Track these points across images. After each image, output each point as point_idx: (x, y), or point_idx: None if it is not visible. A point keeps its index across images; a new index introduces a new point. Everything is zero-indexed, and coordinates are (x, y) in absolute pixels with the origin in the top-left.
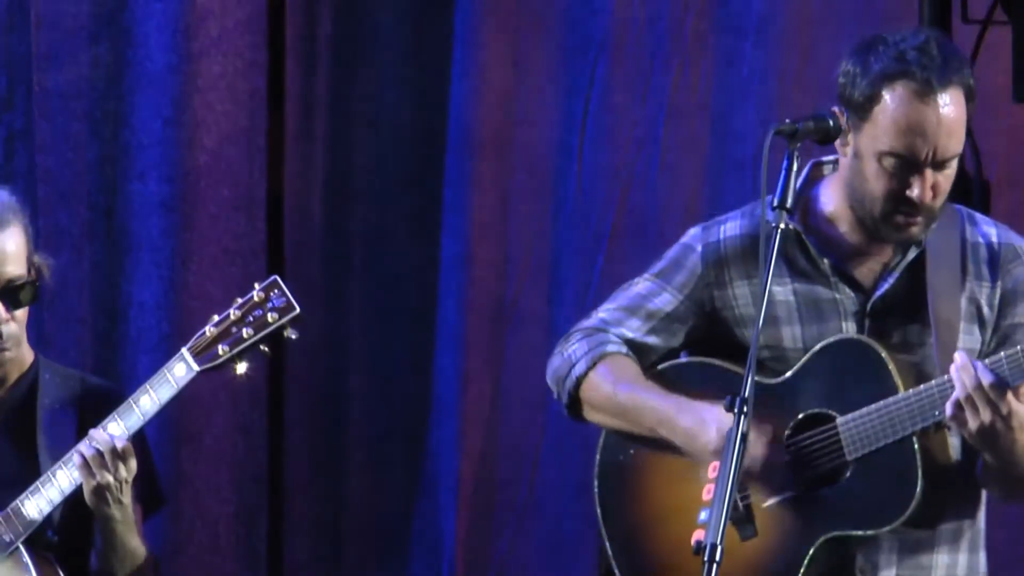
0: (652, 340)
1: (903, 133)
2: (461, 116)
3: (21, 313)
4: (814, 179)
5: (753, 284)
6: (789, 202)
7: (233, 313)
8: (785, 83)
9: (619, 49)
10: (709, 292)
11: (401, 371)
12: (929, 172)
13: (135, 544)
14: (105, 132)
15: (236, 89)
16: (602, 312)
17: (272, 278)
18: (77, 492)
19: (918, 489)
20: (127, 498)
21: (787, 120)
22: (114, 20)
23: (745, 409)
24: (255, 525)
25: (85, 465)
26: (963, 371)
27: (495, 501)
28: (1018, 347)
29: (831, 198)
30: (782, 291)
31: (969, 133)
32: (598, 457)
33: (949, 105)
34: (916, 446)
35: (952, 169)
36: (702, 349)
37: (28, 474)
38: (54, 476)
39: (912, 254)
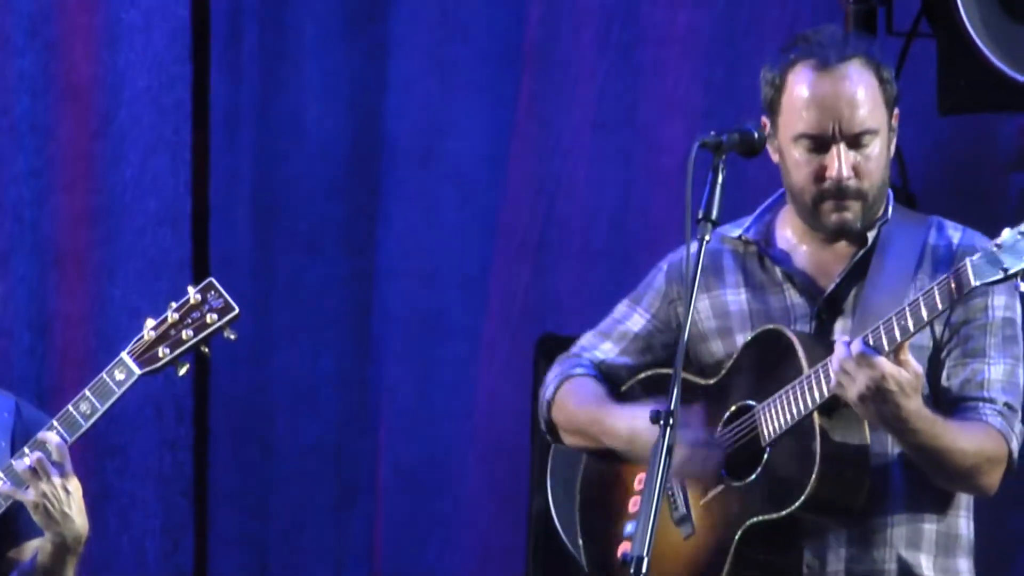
0: (624, 360)
1: (807, 110)
2: (388, 127)
3: None
4: (780, 205)
5: (713, 297)
6: (714, 214)
7: (171, 316)
8: (711, 94)
9: (545, 59)
10: (674, 308)
11: (328, 383)
12: (842, 149)
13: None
14: (31, 145)
15: (161, 102)
16: (582, 339)
17: (207, 280)
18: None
19: (815, 468)
20: (79, 517)
21: (712, 132)
22: (39, 33)
23: (671, 421)
24: (181, 539)
25: (32, 471)
26: (836, 345)
27: (422, 512)
28: (891, 315)
29: (788, 216)
30: (736, 301)
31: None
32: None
33: (849, 77)
34: (816, 426)
35: (873, 148)
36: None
37: None
38: None
39: (860, 255)
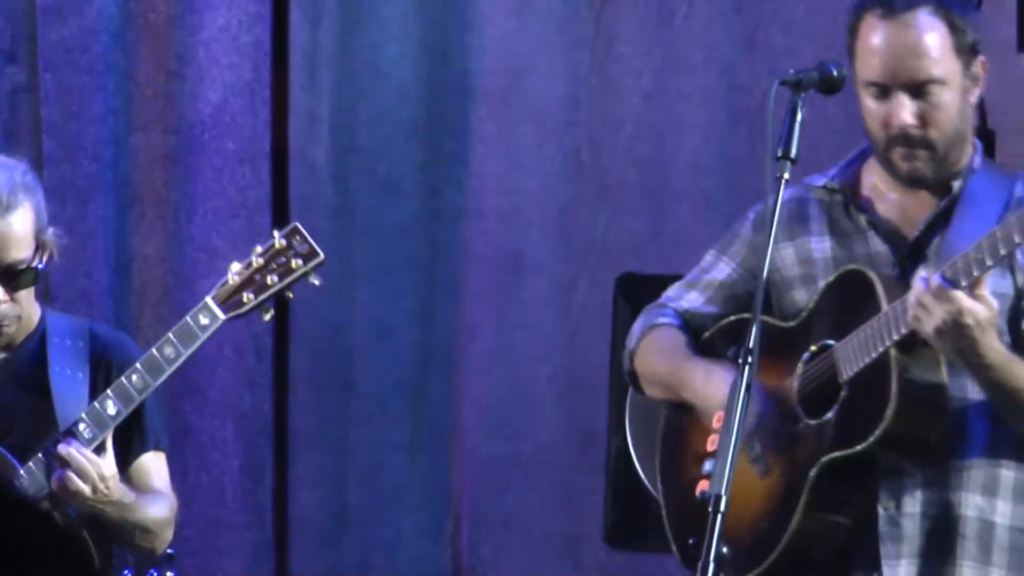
0: (710, 309)
1: (872, 57)
2: (467, 67)
3: (23, 295)
4: (868, 154)
5: (797, 244)
6: (793, 152)
7: (255, 260)
8: (791, 34)
9: None
10: (759, 257)
11: (407, 324)
12: (906, 98)
13: (138, 518)
14: (109, 85)
15: (240, 41)
16: (669, 290)
17: (293, 225)
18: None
19: (891, 403)
20: (115, 493)
21: (792, 71)
22: None
23: (750, 360)
24: (261, 478)
25: (62, 488)
26: (914, 280)
27: (501, 454)
28: (967, 250)
29: (874, 164)
30: (820, 248)
31: None
32: (663, 413)
33: (913, 26)
34: (893, 362)
35: (940, 97)
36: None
37: (46, 428)
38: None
39: (944, 204)
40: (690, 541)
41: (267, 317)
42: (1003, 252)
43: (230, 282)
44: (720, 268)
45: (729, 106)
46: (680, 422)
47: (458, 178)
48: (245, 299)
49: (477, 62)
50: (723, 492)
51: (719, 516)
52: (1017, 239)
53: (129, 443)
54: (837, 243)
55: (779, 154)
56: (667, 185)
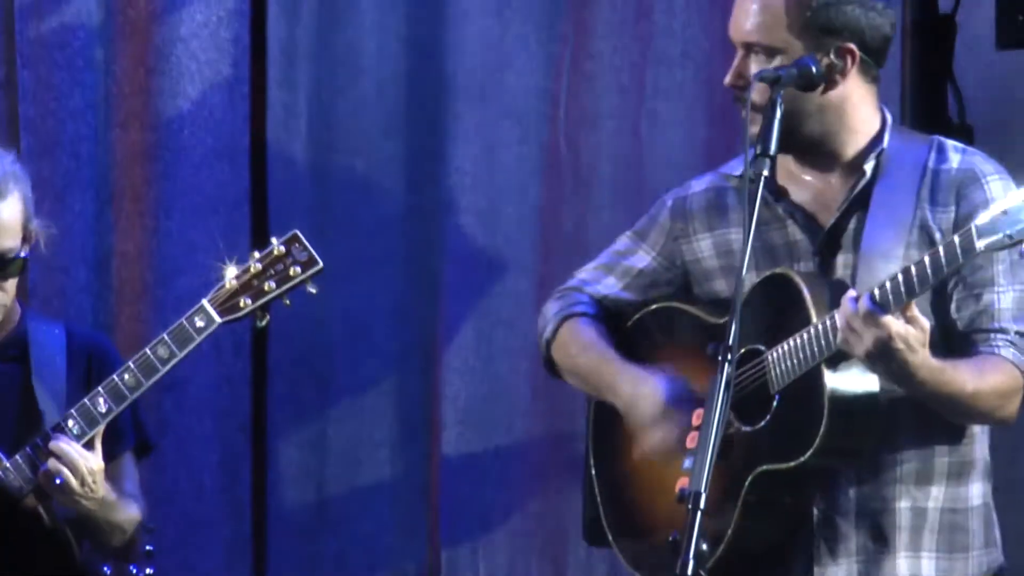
0: (627, 296)
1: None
2: (445, 63)
3: (10, 284)
4: None
5: (716, 236)
6: (772, 148)
7: (253, 266)
8: None
9: None
10: (678, 246)
11: (386, 320)
12: (738, 58)
13: (119, 519)
14: (88, 81)
15: (219, 37)
16: (582, 272)
17: (292, 232)
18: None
19: (822, 421)
20: (100, 491)
21: (771, 67)
22: None
23: (730, 356)
24: (239, 473)
25: (49, 481)
26: (843, 301)
27: (479, 450)
28: (897, 273)
29: None
30: (740, 240)
31: (952, 79)
32: (592, 403)
33: None
34: (823, 377)
35: (763, 66)
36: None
37: (31, 425)
38: (74, 416)
39: (860, 186)
40: (670, 537)
41: (262, 323)
42: (932, 281)
43: (227, 286)
44: (639, 256)
45: (706, 102)
46: (607, 413)
47: (436, 174)
48: (242, 304)
49: (455, 58)
50: (703, 489)
51: (699, 513)
52: (946, 268)
53: (108, 441)
54: (756, 234)
55: (757, 150)
56: (644, 181)
